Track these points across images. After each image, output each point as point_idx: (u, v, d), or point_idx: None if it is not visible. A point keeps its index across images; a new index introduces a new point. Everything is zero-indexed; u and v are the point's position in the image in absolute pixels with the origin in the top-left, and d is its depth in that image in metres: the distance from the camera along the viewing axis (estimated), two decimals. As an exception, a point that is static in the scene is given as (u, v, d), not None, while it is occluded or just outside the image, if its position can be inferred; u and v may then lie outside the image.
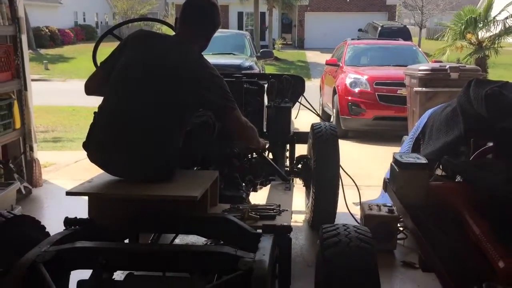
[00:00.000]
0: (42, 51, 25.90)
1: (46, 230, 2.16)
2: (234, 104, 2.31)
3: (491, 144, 2.76)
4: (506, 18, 12.81)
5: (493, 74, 16.08)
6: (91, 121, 2.31)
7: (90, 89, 2.44)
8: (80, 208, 2.35)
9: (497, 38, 12.73)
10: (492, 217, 1.99)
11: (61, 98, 12.56)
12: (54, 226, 2.30)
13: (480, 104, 2.93)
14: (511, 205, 1.97)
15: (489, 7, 12.67)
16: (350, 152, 6.48)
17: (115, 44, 2.47)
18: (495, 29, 12.77)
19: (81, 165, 5.60)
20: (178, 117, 2.22)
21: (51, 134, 8.10)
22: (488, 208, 2.06)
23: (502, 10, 12.98)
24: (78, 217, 2.18)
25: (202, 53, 2.38)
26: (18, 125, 4.43)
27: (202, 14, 2.37)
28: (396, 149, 5.59)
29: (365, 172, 5.71)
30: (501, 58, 15.45)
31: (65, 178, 5.19)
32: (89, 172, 2.43)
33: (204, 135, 2.48)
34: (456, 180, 2.64)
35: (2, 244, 1.93)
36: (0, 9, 4.19)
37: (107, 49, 3.02)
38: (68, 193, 2.09)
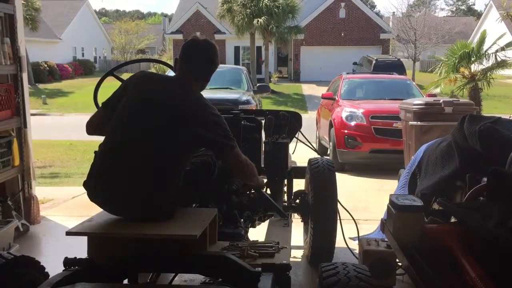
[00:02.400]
0: (41, 85, 26.15)
1: (46, 270, 2.16)
2: (234, 143, 2.35)
3: (485, 179, 2.79)
4: (497, 51, 13.07)
5: (488, 106, 16.31)
6: (88, 155, 2.36)
7: (91, 129, 2.48)
8: (78, 245, 2.34)
9: (489, 71, 12.95)
10: (486, 260, 2.01)
11: (58, 133, 12.62)
12: (52, 264, 2.31)
13: (474, 140, 2.98)
14: (502, 249, 1.99)
15: (482, 42, 12.94)
16: (347, 185, 6.50)
17: (114, 81, 2.51)
18: (487, 62, 13.01)
19: (79, 201, 5.59)
20: (178, 156, 2.26)
21: (48, 170, 8.10)
22: (482, 251, 2.07)
23: (493, 43, 13.25)
24: (77, 256, 2.18)
25: None
26: (17, 162, 4.45)
27: (201, 56, 2.44)
28: (393, 181, 5.63)
29: (363, 205, 5.72)
30: (494, 90, 15.69)
31: (63, 215, 5.18)
32: (86, 208, 2.44)
33: (204, 175, 2.51)
34: (451, 221, 2.66)
35: (2, 286, 1.93)
36: (2, 48, 4.27)
37: (107, 86, 3.09)
38: (68, 233, 2.10)
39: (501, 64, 12.99)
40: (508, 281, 1.97)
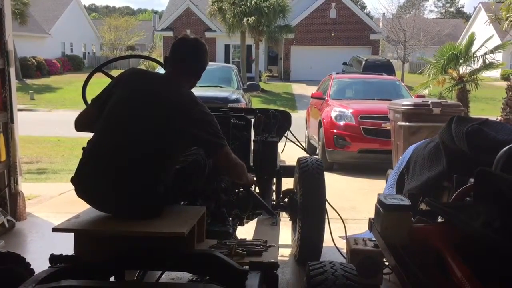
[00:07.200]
0: (29, 81, 25.88)
1: (31, 267, 2.14)
2: (224, 141, 2.34)
3: (472, 180, 2.81)
4: (485, 53, 13.18)
5: (475, 108, 16.46)
6: (76, 152, 2.34)
7: (80, 125, 2.46)
8: (65, 242, 2.33)
9: (477, 72, 13.07)
10: (473, 260, 2.03)
11: (46, 128, 12.51)
12: (38, 261, 2.29)
13: (461, 141, 3.01)
14: (489, 249, 2.01)
15: (470, 44, 13.04)
16: (335, 185, 6.53)
17: (103, 77, 2.49)
18: (475, 64, 13.12)
19: (66, 198, 5.55)
20: (168, 154, 2.25)
21: (35, 165, 8.03)
22: (469, 250, 2.09)
23: (481, 46, 13.37)
24: (63, 253, 2.17)
25: None
26: (3, 157, 4.40)
27: (191, 54, 2.43)
28: (381, 181, 5.66)
29: (351, 205, 5.75)
30: (482, 92, 15.85)
31: (49, 211, 5.13)
32: (73, 205, 2.42)
33: (195, 174, 2.50)
34: (439, 221, 2.68)
35: (-14, 283, 1.91)
36: (-11, 43, 4.22)
37: (95, 83, 3.07)
38: (55, 230, 2.08)
39: (489, 66, 13.12)
40: (494, 280, 1.99)
